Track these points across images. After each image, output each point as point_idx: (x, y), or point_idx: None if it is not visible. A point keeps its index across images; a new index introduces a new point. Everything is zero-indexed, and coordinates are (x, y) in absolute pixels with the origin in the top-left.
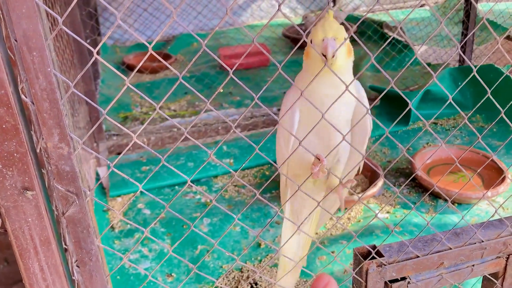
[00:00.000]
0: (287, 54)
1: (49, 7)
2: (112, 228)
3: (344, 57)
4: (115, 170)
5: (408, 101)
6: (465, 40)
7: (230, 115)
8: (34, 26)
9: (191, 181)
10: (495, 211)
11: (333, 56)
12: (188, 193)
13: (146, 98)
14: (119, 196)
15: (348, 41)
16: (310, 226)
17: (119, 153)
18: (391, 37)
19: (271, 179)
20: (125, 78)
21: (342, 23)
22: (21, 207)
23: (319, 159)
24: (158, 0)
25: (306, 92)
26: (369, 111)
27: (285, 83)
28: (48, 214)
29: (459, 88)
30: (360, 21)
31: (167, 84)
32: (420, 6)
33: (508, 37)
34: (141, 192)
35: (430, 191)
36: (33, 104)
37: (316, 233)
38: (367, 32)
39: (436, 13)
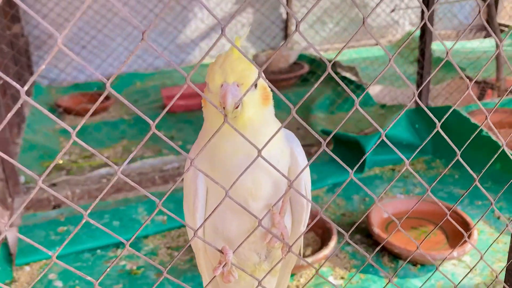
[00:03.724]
0: None
1: None
2: None
3: (257, 107)
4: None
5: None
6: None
7: (169, 163)
8: None
9: (115, 245)
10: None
11: (236, 107)
12: (111, 258)
13: None
14: (27, 264)
15: (265, 85)
16: None
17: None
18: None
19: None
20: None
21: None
22: None
23: (224, 254)
24: (97, 38)
25: (209, 153)
26: (297, 182)
27: None
28: None
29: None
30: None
31: (104, 127)
32: (375, 45)
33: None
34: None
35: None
36: None
37: None
38: (317, 72)
39: (388, 52)
